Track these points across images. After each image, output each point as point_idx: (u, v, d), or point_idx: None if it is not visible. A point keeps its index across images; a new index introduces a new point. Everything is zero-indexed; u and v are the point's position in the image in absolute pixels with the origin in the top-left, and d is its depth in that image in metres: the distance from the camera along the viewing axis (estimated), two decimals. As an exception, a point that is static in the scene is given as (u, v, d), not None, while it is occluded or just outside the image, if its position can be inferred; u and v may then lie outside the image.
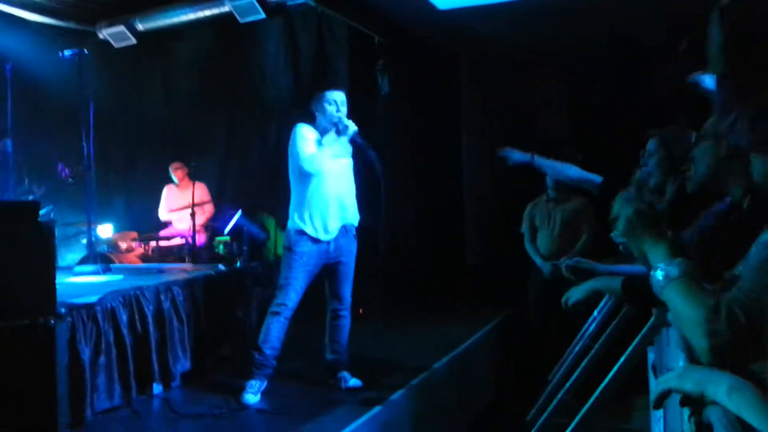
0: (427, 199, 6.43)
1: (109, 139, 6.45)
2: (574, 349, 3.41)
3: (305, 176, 3.22)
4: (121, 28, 6.11)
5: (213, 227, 5.68)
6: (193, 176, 5.74)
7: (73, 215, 5.29)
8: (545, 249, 4.49)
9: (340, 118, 3.21)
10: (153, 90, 6.69)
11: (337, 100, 3.24)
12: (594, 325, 3.28)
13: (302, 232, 3.22)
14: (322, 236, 3.23)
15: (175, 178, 6.01)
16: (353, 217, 3.36)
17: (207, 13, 5.87)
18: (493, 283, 5.67)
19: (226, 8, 5.71)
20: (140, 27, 6.16)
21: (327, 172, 3.22)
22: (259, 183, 5.99)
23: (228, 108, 6.31)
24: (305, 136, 3.24)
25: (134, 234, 5.87)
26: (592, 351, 2.99)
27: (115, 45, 6.28)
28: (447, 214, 6.74)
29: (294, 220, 3.27)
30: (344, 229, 3.32)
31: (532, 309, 4.63)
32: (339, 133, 3.21)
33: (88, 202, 4.24)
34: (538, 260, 4.49)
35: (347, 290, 3.36)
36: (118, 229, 6.05)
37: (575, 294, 2.22)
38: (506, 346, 4.81)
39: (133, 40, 6.20)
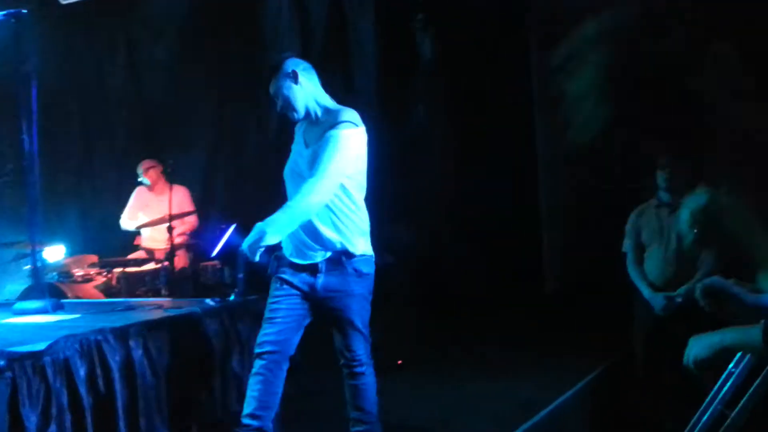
0: (485, 204, 6.37)
1: (59, 129, 6.56)
2: (703, 417, 3.34)
3: None
4: (70, -23, 6.25)
5: (197, 246, 5.73)
6: (171, 178, 5.80)
7: (12, 233, 5.37)
8: (657, 275, 4.43)
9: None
10: (115, 62, 6.82)
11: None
12: (729, 383, 3.20)
13: (280, 251, 3.42)
14: (295, 258, 3.36)
15: (146, 181, 6.07)
16: (345, 244, 3.32)
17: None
18: (581, 319, 5.60)
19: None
20: (96, -24, 6.30)
21: (288, 184, 3.40)
22: (255, 186, 6.03)
23: (215, 86, 6.38)
24: None
25: (93, 258, 5.94)
26: (728, 420, 2.92)
27: (62, 1, 6.39)
28: (514, 223, 6.66)
29: None
30: (335, 260, 3.33)
31: (638, 358, 4.58)
32: None
33: (31, 214, 4.27)
34: (646, 291, 4.43)
35: (354, 341, 3.37)
36: (72, 251, 6.13)
37: (698, 349, 2.12)
38: (605, 408, 4.72)
39: (87, -6, 6.33)
